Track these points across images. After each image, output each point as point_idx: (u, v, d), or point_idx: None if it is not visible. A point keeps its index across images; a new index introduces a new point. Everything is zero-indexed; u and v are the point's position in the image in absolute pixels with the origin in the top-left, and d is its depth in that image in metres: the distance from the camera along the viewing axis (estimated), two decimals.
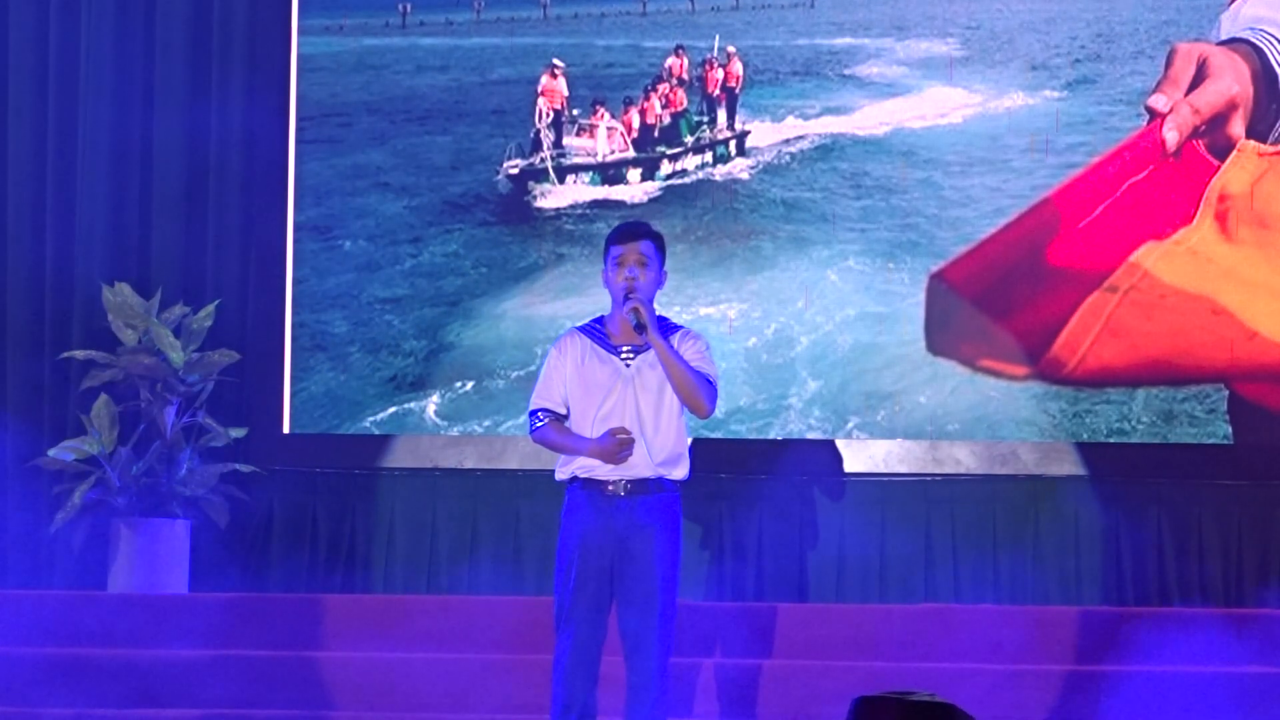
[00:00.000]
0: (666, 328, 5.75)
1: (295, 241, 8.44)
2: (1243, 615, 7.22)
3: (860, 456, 8.09)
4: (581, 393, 5.69)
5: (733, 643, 7.06)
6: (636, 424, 5.64)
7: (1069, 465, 8.01)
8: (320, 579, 8.14)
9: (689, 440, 5.79)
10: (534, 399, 5.78)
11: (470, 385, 8.31)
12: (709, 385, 5.67)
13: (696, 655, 6.76)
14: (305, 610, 7.29)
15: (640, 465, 5.64)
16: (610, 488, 5.64)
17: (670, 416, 5.68)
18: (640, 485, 5.64)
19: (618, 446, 5.60)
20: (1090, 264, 7.75)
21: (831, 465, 8.07)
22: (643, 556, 5.61)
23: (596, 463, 5.64)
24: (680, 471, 5.72)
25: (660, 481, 5.67)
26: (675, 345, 5.68)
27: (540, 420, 5.74)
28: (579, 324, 5.92)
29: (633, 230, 5.74)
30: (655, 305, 5.72)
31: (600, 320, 5.79)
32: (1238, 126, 7.80)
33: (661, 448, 5.66)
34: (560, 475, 5.75)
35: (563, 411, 5.75)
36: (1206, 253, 7.73)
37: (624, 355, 5.69)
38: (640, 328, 5.59)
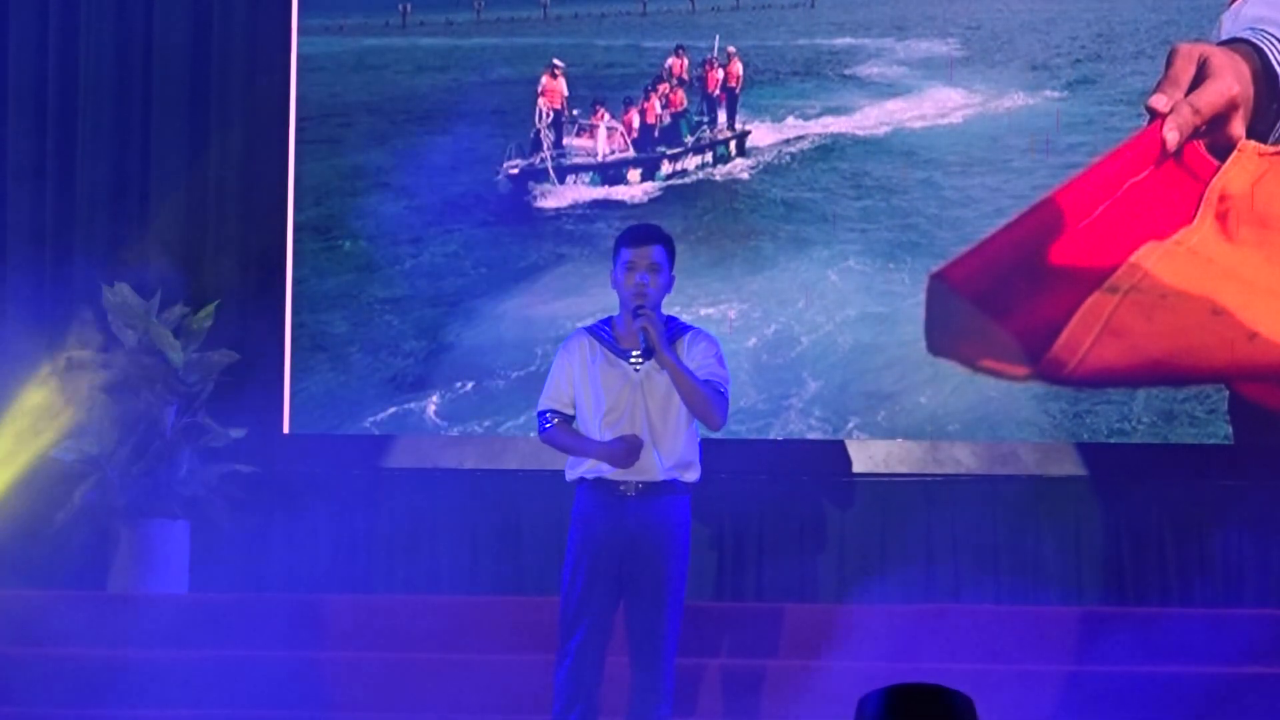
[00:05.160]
0: (676, 328, 5.74)
1: (295, 241, 8.44)
2: (1243, 615, 7.21)
3: (860, 456, 8.09)
4: (590, 396, 5.70)
5: (734, 643, 7.06)
6: (645, 428, 5.64)
7: (1069, 465, 8.00)
8: (321, 579, 8.14)
9: (699, 441, 5.79)
10: (542, 400, 5.79)
11: (470, 385, 8.30)
12: (720, 396, 5.65)
13: (699, 655, 6.76)
14: (305, 610, 7.29)
15: (650, 469, 5.65)
16: (621, 488, 5.65)
17: (679, 420, 5.68)
18: (651, 487, 5.65)
19: (627, 451, 5.60)
20: (1091, 264, 7.74)
21: (832, 465, 8.06)
22: (652, 557, 5.62)
23: (606, 465, 5.65)
24: (691, 474, 5.72)
25: (672, 483, 5.67)
26: (685, 347, 5.68)
27: (549, 422, 5.75)
28: (586, 324, 5.92)
29: (645, 235, 5.71)
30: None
31: (608, 322, 5.79)
32: (1238, 126, 7.79)
33: (671, 451, 5.66)
34: (570, 476, 5.76)
35: (570, 412, 5.76)
36: (1207, 253, 7.73)
37: (633, 360, 5.69)
38: (649, 351, 5.59)
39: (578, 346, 5.76)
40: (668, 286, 5.71)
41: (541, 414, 5.79)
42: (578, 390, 5.73)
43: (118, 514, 7.81)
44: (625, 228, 5.96)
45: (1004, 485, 8.03)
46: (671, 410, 5.66)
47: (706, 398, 5.61)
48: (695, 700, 6.67)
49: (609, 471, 5.65)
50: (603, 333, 5.77)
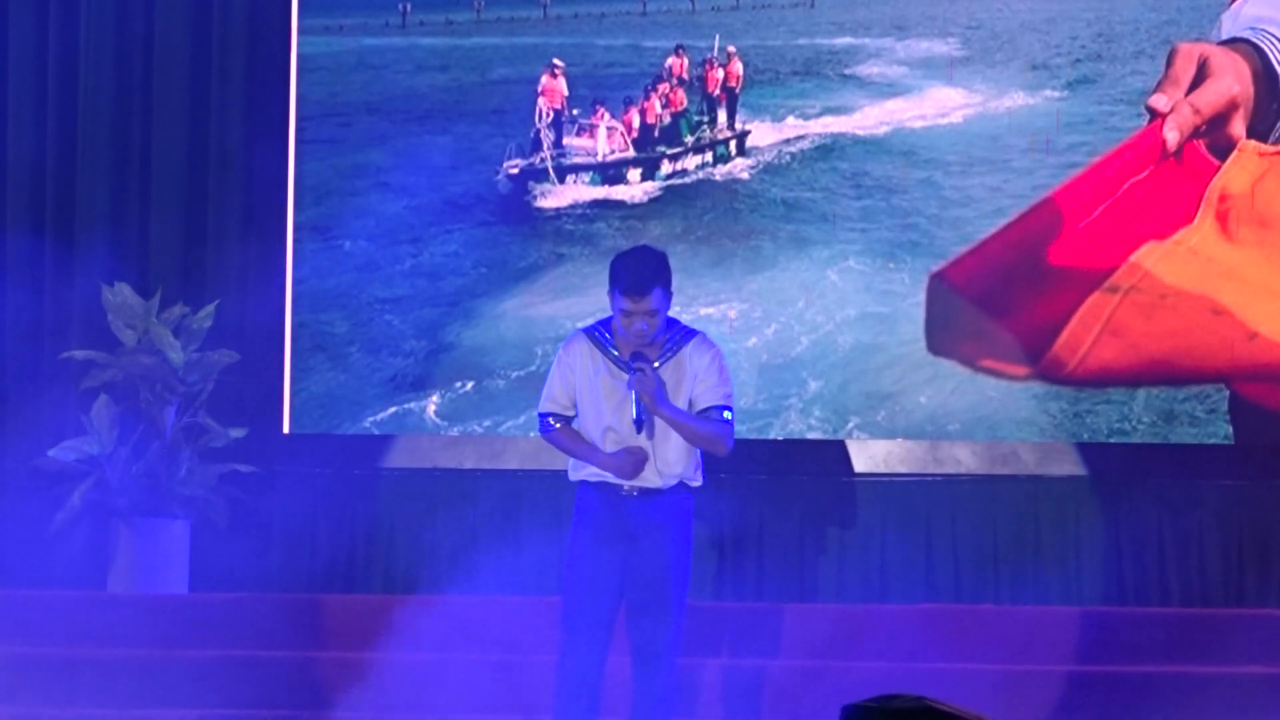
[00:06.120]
0: (680, 333, 5.71)
1: (295, 241, 8.44)
2: (1243, 615, 7.21)
3: (860, 456, 8.09)
4: (590, 404, 5.68)
5: (734, 643, 7.06)
6: (647, 440, 5.62)
7: (1069, 465, 8.00)
8: (320, 579, 8.14)
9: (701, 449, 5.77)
10: (543, 402, 5.77)
11: (470, 385, 8.30)
12: (724, 426, 5.63)
13: (699, 655, 6.76)
14: (305, 610, 7.29)
15: (652, 479, 5.64)
16: (624, 490, 5.65)
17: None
18: (653, 490, 5.65)
19: (632, 464, 5.59)
20: (1091, 264, 7.73)
21: (832, 465, 8.06)
22: (655, 556, 5.61)
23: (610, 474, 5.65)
24: (694, 482, 5.72)
25: (675, 486, 5.67)
26: (687, 358, 5.64)
27: (552, 425, 5.74)
28: (586, 325, 5.88)
29: (640, 284, 5.51)
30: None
31: (607, 326, 5.73)
32: (1238, 126, 7.78)
33: (675, 461, 5.65)
34: (573, 476, 5.76)
35: (571, 414, 5.74)
36: (1207, 253, 7.72)
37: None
38: (640, 422, 5.56)
39: (578, 352, 5.71)
40: (668, 310, 5.65)
41: (543, 416, 5.77)
42: (579, 395, 5.71)
43: (118, 514, 7.81)
44: (619, 256, 5.66)
45: (1004, 485, 8.03)
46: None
47: (710, 436, 5.61)
48: (695, 700, 6.67)
49: (612, 476, 5.65)
50: (602, 338, 5.72)
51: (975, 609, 7.50)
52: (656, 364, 5.63)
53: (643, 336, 5.56)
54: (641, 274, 5.53)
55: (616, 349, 5.67)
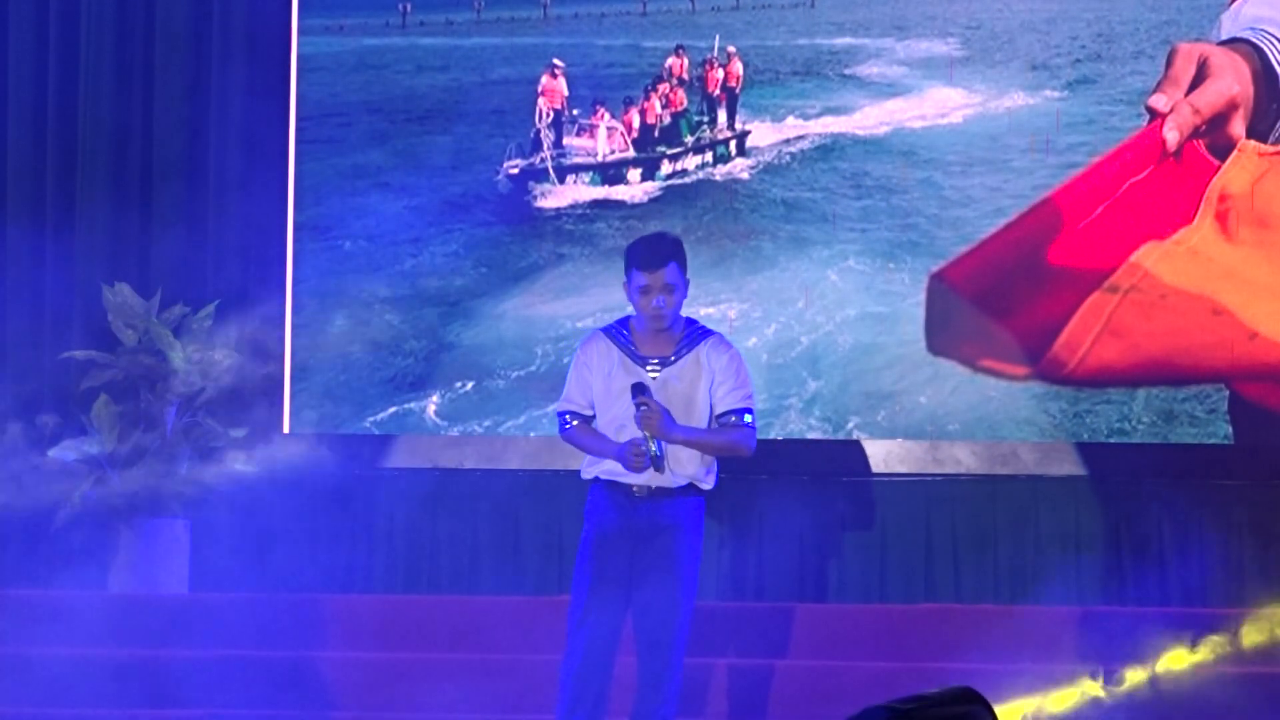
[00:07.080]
0: (695, 333, 5.72)
1: (295, 241, 8.44)
2: (1243, 615, 7.21)
3: (860, 456, 8.09)
4: (607, 401, 5.69)
5: (735, 643, 7.06)
6: (660, 441, 5.62)
7: (1069, 465, 8.00)
8: (322, 579, 8.14)
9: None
10: (561, 401, 5.81)
11: (470, 385, 8.30)
12: (744, 431, 5.63)
13: (701, 655, 6.76)
14: (305, 610, 7.29)
15: (664, 478, 5.64)
16: (635, 490, 5.65)
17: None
18: (664, 490, 5.65)
19: (636, 456, 5.59)
20: (1090, 264, 7.74)
21: (832, 465, 8.07)
22: (664, 556, 5.61)
23: (621, 468, 5.66)
24: (706, 484, 5.71)
25: (686, 487, 5.67)
26: (704, 358, 5.65)
27: (568, 423, 5.76)
28: (604, 325, 5.89)
29: (656, 257, 5.59)
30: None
31: (625, 325, 5.75)
32: (1238, 126, 7.78)
33: (686, 462, 5.65)
34: (586, 474, 5.77)
35: (589, 413, 5.76)
36: (1207, 253, 7.72)
37: (650, 367, 5.68)
38: (653, 459, 5.56)
39: (595, 351, 5.73)
40: (684, 295, 5.68)
41: (560, 415, 5.81)
42: (597, 393, 5.72)
43: (118, 514, 7.81)
44: (634, 240, 5.83)
45: (1004, 485, 8.04)
46: (690, 419, 5.65)
47: (729, 445, 5.63)
48: (696, 701, 6.67)
49: (624, 475, 5.65)
50: (620, 336, 5.73)
51: (975, 609, 7.50)
52: (672, 358, 5.65)
53: (661, 316, 5.57)
54: (659, 248, 5.65)
55: (635, 345, 5.68)
